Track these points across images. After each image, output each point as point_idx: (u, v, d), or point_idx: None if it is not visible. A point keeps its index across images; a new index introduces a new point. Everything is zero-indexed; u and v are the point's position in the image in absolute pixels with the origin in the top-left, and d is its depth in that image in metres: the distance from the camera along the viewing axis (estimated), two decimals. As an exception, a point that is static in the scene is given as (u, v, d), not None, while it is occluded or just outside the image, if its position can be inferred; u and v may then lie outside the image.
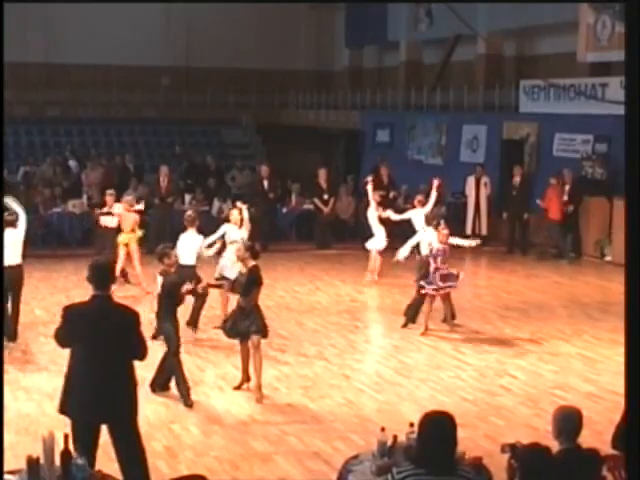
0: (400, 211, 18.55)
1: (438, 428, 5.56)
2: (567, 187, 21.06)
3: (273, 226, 22.62)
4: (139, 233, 17.33)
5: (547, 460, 6.16)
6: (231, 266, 13.51)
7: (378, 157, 26.06)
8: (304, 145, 31.11)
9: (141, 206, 18.32)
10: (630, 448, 5.58)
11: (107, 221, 17.46)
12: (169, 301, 10.98)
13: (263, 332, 11.18)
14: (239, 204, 14.91)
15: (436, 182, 17.59)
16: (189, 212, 14.84)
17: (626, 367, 5.91)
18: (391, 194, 22.13)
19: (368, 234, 18.30)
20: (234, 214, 14.63)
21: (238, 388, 11.43)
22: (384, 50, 35.06)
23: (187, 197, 23.82)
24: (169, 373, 11.04)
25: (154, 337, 12.07)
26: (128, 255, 17.05)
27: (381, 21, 32.84)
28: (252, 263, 11.19)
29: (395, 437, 7.20)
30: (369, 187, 18.06)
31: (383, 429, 7.41)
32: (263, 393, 11.12)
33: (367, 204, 18.46)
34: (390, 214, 17.87)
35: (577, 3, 23.77)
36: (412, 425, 6.81)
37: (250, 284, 11.09)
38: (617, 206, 20.31)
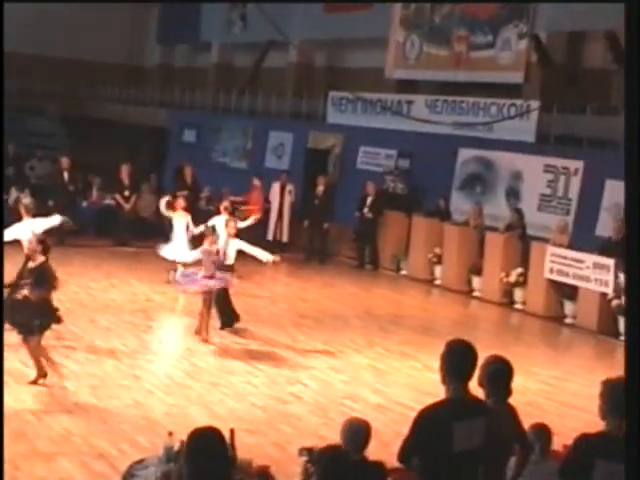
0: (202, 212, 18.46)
1: (203, 445, 5.42)
2: (370, 199, 21.39)
3: (72, 220, 21.98)
4: None
5: (345, 462, 6.10)
6: None
7: (183, 157, 25.86)
8: (110, 139, 30.53)
9: None
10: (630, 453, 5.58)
11: None
12: None
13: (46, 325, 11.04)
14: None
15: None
16: None
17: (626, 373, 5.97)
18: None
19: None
20: None
21: (34, 383, 11.12)
22: (196, 50, 34.89)
23: (-18, 185, 22.94)
24: None
25: None
26: None
27: (195, 20, 32.69)
28: (42, 258, 10.95)
29: (182, 442, 7.08)
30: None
31: (170, 433, 7.31)
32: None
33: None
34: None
35: (389, 21, 24.25)
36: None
37: (41, 280, 10.81)
38: (415, 221, 20.74)
